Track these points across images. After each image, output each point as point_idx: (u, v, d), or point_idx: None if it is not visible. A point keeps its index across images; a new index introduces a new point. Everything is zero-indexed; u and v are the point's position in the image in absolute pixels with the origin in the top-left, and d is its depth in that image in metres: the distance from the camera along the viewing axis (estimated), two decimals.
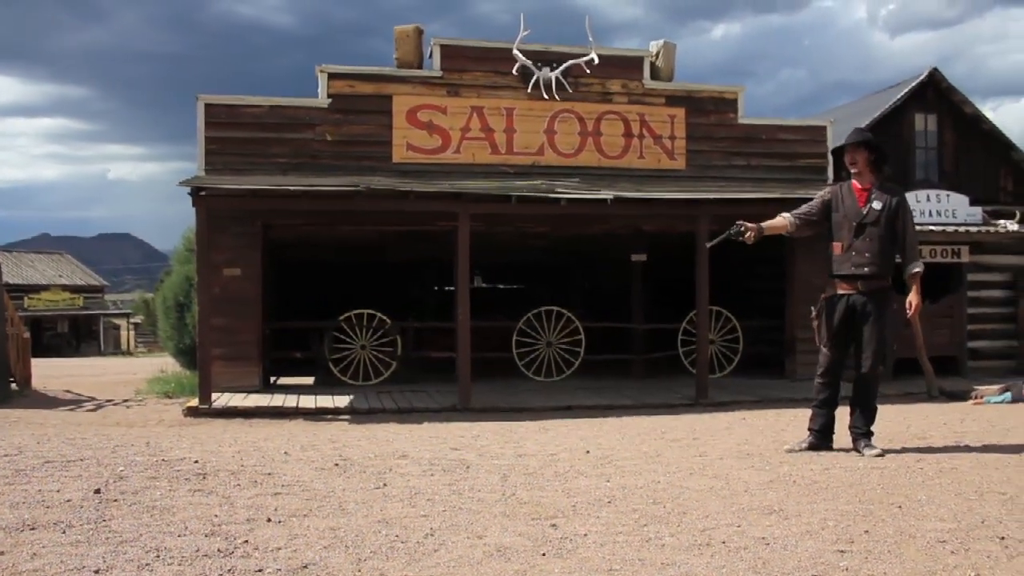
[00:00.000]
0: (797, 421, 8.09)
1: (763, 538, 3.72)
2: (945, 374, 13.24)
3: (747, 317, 14.19)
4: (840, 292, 6.25)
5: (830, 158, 13.90)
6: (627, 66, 13.54)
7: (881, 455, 5.93)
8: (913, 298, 6.17)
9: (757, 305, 14.65)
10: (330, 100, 12.50)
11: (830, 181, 13.87)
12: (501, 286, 23.08)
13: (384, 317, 13.11)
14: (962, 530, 3.89)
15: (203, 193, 10.58)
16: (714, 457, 6.04)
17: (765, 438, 7.12)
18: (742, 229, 6.38)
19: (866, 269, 6.14)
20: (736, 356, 14.07)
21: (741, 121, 13.84)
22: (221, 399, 10.93)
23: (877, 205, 6.18)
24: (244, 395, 11.39)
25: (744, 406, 10.70)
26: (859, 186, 6.29)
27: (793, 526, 3.94)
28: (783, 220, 6.54)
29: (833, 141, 13.89)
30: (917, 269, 6.20)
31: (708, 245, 7.26)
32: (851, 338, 6.26)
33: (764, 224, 6.50)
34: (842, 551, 3.53)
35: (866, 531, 3.85)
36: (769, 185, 12.98)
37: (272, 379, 13.66)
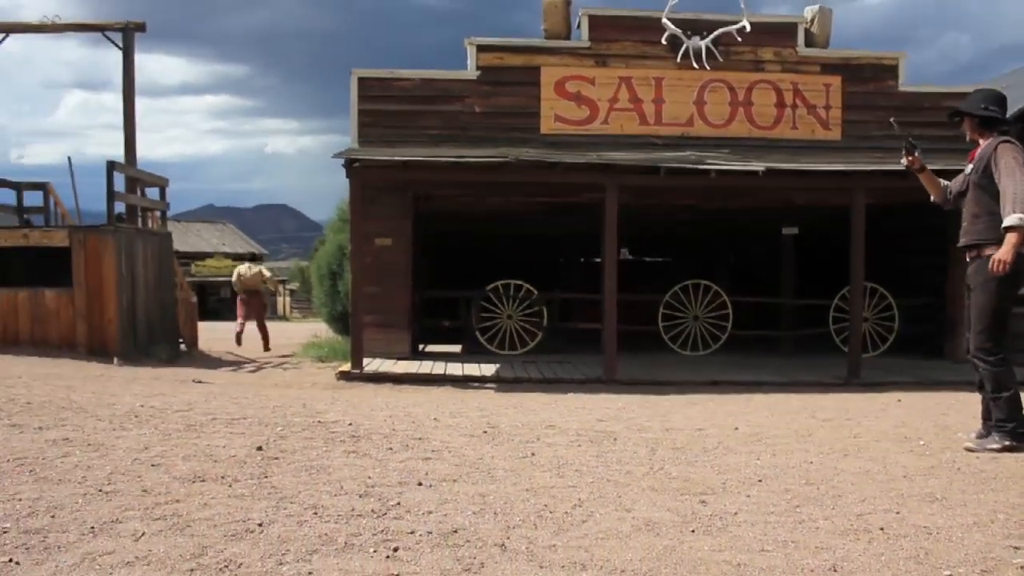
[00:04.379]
0: (960, 405, 7.72)
1: (925, 527, 3.55)
2: None
3: (903, 294, 13.57)
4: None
5: None
6: (780, 33, 13.12)
7: (1000, 449, 5.27)
8: (1002, 251, 5.22)
9: (914, 282, 13.98)
10: (479, 72, 12.61)
11: None
12: (647, 259, 22.85)
13: (531, 288, 13.21)
14: None
15: (356, 165, 10.86)
16: (869, 439, 5.82)
17: (925, 421, 6.81)
18: (916, 150, 5.90)
19: (962, 240, 5.62)
20: (891, 335, 13.51)
21: (902, 89, 13.19)
22: (372, 364, 11.27)
23: (968, 168, 5.63)
24: (394, 361, 11.71)
25: (899, 387, 10.26)
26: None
27: (958, 516, 3.74)
28: (941, 184, 6.07)
29: (1006, 108, 13.07)
30: (1008, 222, 5.21)
31: (892, 121, 6.75)
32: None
33: (929, 172, 6.05)
34: (1016, 547, 3.30)
35: None
36: (933, 156, 12.31)
37: (421, 346, 13.99)
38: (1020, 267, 5.28)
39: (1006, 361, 5.44)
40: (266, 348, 16.37)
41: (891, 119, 7.24)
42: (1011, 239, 5.20)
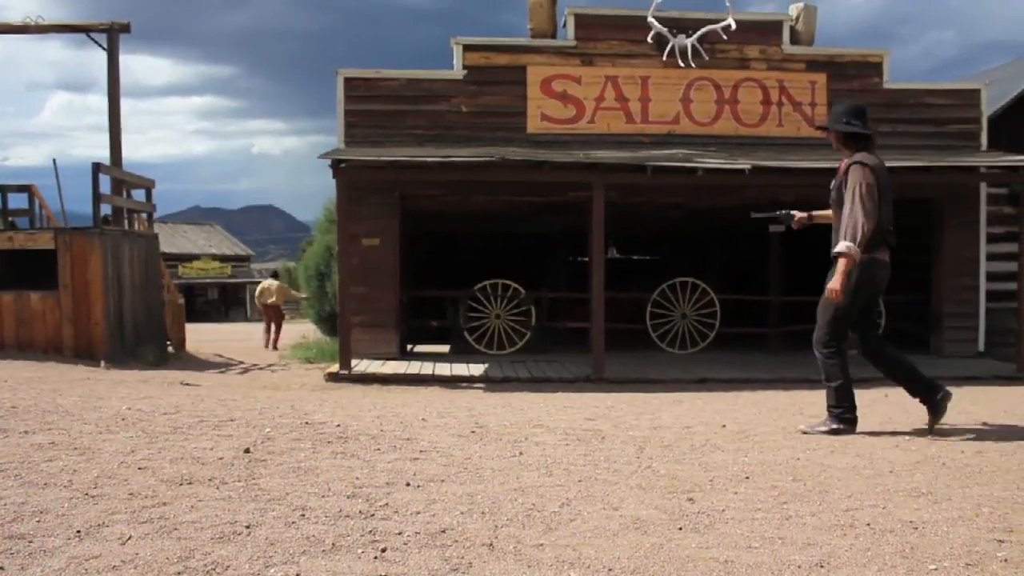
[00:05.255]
0: None
1: (911, 522, 3.58)
2: None
3: (889, 291, 13.58)
4: None
5: (984, 123, 13.17)
6: (765, 31, 13.15)
7: (827, 431, 5.78)
8: (833, 280, 5.60)
9: (900, 279, 14.01)
10: (465, 72, 12.60)
11: (983, 147, 13.16)
12: (635, 257, 22.90)
13: (518, 287, 13.20)
14: None
15: (343, 165, 10.84)
16: (855, 435, 5.85)
17: (911, 417, 6.84)
18: (792, 217, 6.40)
19: (833, 251, 5.75)
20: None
21: (886, 86, 13.24)
22: (360, 365, 11.25)
23: (832, 185, 5.86)
24: (382, 362, 11.69)
25: (887, 383, 10.14)
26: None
27: (944, 511, 3.77)
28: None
29: (989, 105, 13.13)
30: (837, 249, 5.54)
31: (753, 216, 7.08)
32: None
33: (815, 212, 6.39)
34: (1000, 540, 3.34)
35: None
36: (916, 152, 12.39)
37: (409, 347, 13.97)
38: (864, 278, 5.64)
39: (838, 355, 5.84)
40: (274, 347, 18.04)
41: (752, 213, 7.38)
42: (840, 266, 5.57)
